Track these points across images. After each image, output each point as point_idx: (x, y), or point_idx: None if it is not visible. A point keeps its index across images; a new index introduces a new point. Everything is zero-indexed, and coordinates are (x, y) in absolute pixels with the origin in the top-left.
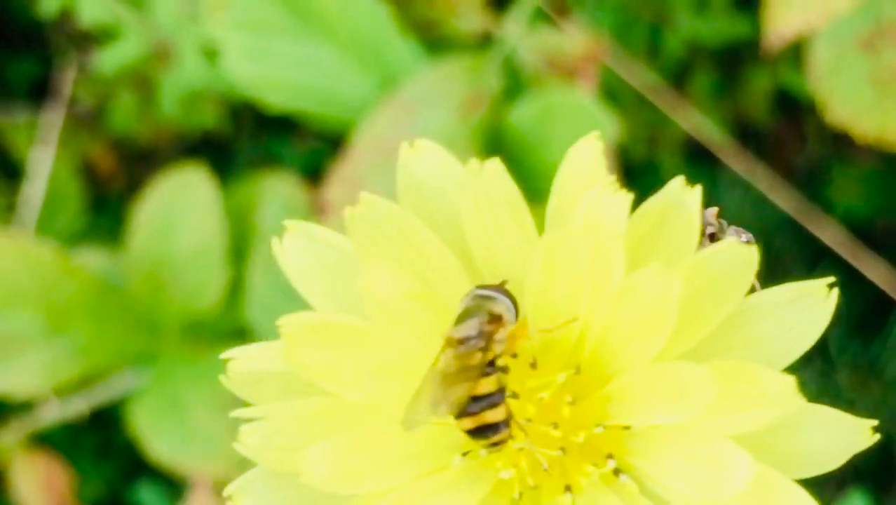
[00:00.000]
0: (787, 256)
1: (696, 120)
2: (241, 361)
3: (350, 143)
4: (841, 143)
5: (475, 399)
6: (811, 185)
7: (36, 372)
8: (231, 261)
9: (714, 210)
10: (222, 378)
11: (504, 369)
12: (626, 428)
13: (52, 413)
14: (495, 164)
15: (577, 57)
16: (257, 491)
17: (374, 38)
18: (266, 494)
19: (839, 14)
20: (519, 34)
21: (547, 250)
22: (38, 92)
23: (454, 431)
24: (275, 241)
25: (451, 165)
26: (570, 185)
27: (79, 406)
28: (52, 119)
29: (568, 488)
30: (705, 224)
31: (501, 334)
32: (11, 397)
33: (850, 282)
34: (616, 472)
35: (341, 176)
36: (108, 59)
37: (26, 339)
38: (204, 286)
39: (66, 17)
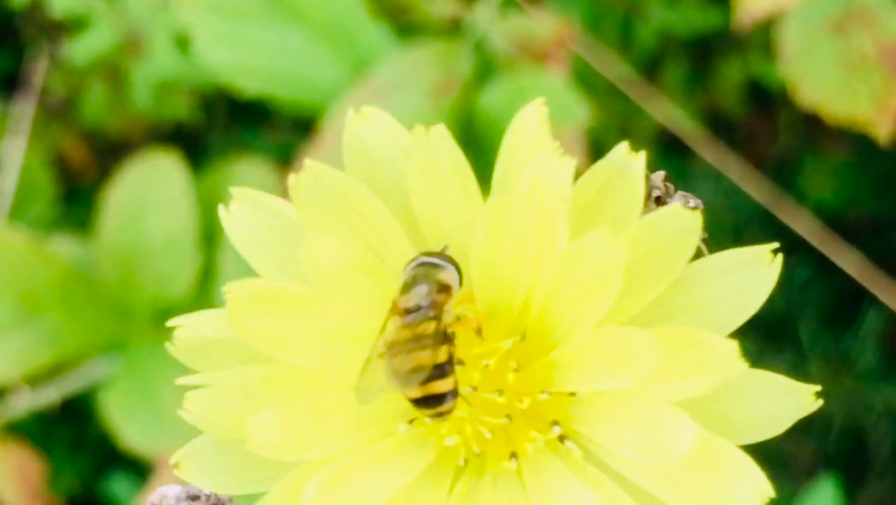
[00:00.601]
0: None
1: (668, 111)
2: (187, 328)
3: (321, 127)
4: (812, 134)
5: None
6: (783, 176)
7: (8, 359)
8: (202, 247)
9: (661, 174)
10: (168, 346)
11: (452, 339)
12: (572, 395)
13: (24, 402)
14: (441, 130)
15: (548, 42)
16: (203, 459)
17: (345, 23)
18: (212, 462)
19: None
20: (490, 19)
21: (492, 215)
22: (9, 84)
23: (399, 398)
24: (221, 209)
25: (398, 132)
26: (515, 151)
27: (50, 395)
28: (24, 110)
29: (513, 455)
30: (652, 188)
31: (450, 304)
32: None
33: (823, 273)
34: (561, 438)
35: (313, 159)
36: (80, 50)
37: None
38: (175, 273)
39: (37, 7)
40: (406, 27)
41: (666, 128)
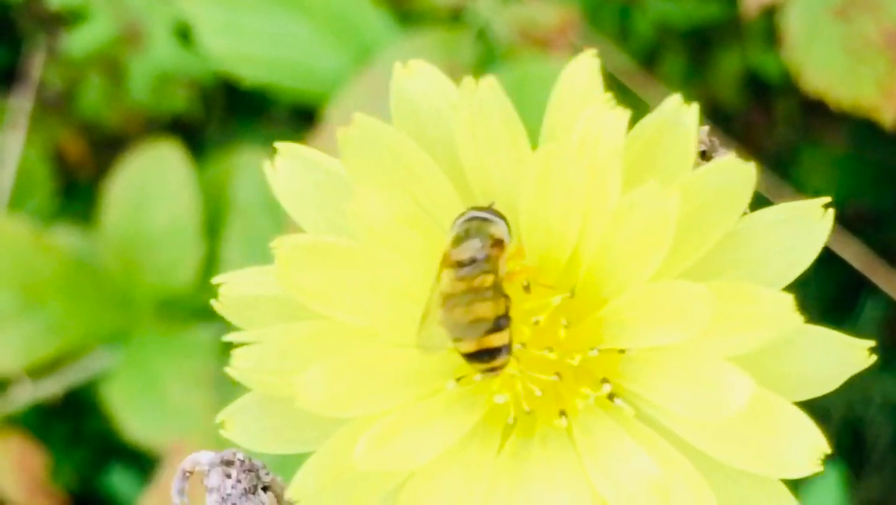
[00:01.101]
0: None
1: None
2: (232, 285)
3: (324, 115)
4: (810, 125)
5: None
6: (781, 167)
7: (11, 350)
8: (205, 237)
9: (706, 129)
10: (213, 303)
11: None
12: (621, 352)
13: (25, 394)
14: (490, 81)
15: (551, 29)
16: (249, 418)
17: (348, 11)
18: (258, 419)
19: None
20: (492, 7)
21: (541, 166)
22: (7, 77)
23: (448, 355)
24: (266, 164)
25: (445, 85)
26: (564, 103)
27: (52, 387)
28: (22, 104)
29: (563, 413)
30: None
31: (503, 257)
32: None
33: (822, 262)
34: (611, 396)
35: (316, 148)
36: (78, 43)
37: (1, 316)
38: (178, 263)
39: (34, 0)
40: (408, 15)
41: None
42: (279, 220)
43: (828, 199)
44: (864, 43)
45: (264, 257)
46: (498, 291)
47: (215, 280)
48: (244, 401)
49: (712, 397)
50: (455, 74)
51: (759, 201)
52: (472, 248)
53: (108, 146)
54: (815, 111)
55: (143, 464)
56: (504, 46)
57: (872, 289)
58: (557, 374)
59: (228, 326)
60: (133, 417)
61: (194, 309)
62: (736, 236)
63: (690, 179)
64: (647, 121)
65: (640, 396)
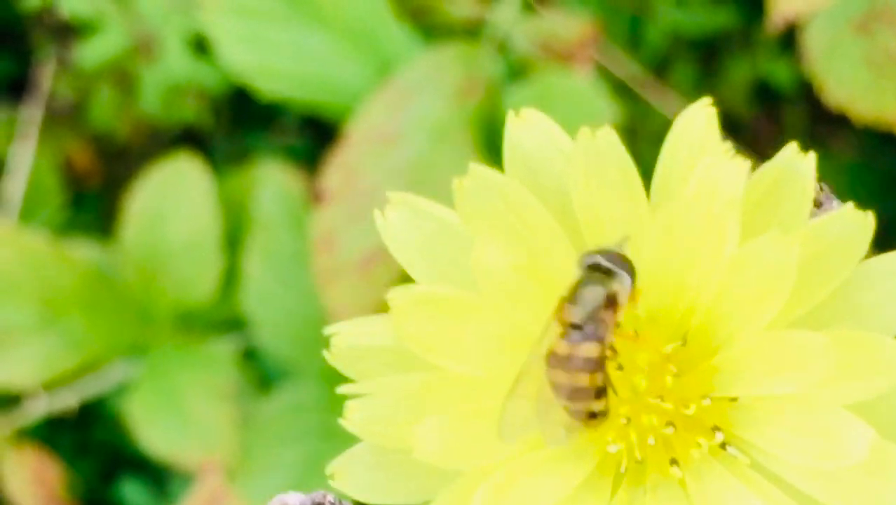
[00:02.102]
0: None
1: (677, 110)
2: (343, 336)
3: (345, 130)
4: (818, 134)
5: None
6: None
7: (31, 364)
8: (225, 251)
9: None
10: (325, 353)
11: (612, 354)
12: (733, 400)
13: (40, 407)
14: (607, 132)
15: (572, 42)
16: (360, 467)
17: (369, 24)
18: (369, 470)
19: None
20: (511, 20)
21: (664, 221)
22: (17, 88)
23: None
24: (377, 214)
25: (558, 135)
26: (680, 151)
27: (67, 400)
28: (32, 114)
29: (674, 462)
30: None
31: (618, 317)
32: (5, 390)
33: None
34: (723, 445)
35: (338, 163)
36: (90, 54)
37: (21, 331)
38: (198, 277)
39: (45, 11)
40: (428, 28)
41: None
42: (301, 234)
43: None
44: (887, 57)
45: (286, 271)
46: (601, 361)
47: (327, 331)
48: (355, 451)
49: (831, 446)
50: (475, 88)
51: None
52: (584, 311)
53: (114, 156)
54: (823, 120)
55: (152, 474)
56: (525, 59)
57: None
58: (669, 423)
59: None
60: (154, 431)
61: (213, 322)
62: (851, 284)
63: (809, 229)
64: (765, 169)
65: (752, 443)
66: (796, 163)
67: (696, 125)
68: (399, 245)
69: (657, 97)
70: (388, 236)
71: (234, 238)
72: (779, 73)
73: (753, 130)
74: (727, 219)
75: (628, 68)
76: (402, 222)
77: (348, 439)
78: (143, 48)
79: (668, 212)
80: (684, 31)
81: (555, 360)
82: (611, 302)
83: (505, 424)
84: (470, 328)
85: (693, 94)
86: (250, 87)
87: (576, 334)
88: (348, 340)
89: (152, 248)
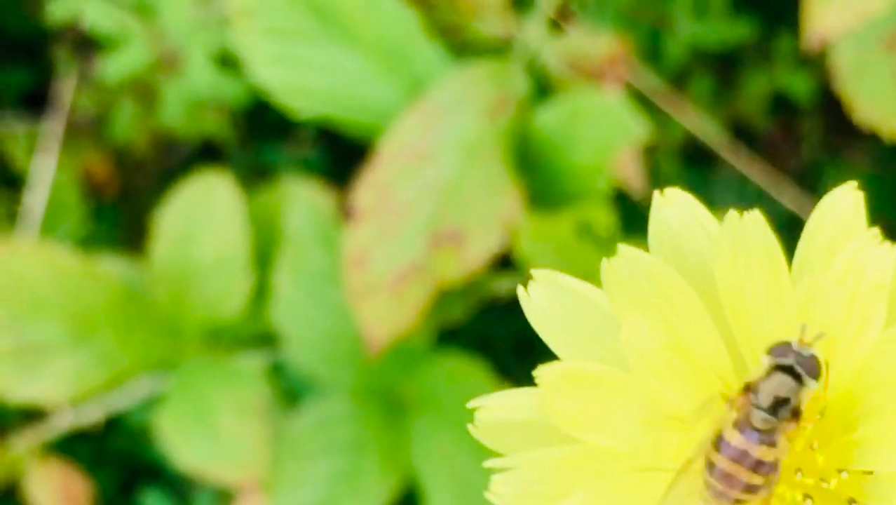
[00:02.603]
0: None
1: (695, 122)
2: (489, 409)
3: (377, 148)
4: (834, 146)
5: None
6: (806, 186)
7: (62, 381)
8: (255, 268)
9: None
10: (470, 427)
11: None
12: (868, 473)
13: (66, 421)
14: (755, 215)
15: (602, 59)
16: None
17: (400, 43)
18: None
19: (874, 13)
20: (540, 38)
21: (804, 294)
22: (33, 102)
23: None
24: (520, 289)
25: (703, 214)
26: (824, 232)
27: (92, 414)
28: (54, 128)
29: None
30: None
31: (796, 427)
32: (38, 406)
33: None
34: None
35: (369, 181)
36: (113, 68)
37: (53, 348)
38: (228, 293)
39: (67, 25)
40: (458, 47)
41: (689, 140)
42: (331, 251)
43: None
44: None
45: (316, 288)
46: (776, 466)
47: (471, 404)
48: None
49: None
50: (506, 106)
51: (787, 218)
52: (768, 419)
53: (132, 169)
54: (839, 131)
55: (170, 485)
56: (555, 77)
57: None
58: (808, 496)
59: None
60: (184, 446)
61: (243, 337)
62: None
63: None
64: None
65: None
66: None
67: (842, 208)
68: (541, 321)
69: (675, 109)
70: (530, 312)
71: (263, 255)
72: (796, 85)
73: (769, 141)
74: (874, 301)
75: (647, 80)
76: (546, 299)
77: (376, 455)
78: (167, 63)
79: (810, 286)
80: (703, 44)
81: (728, 450)
82: (795, 414)
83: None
84: (617, 404)
85: (711, 106)
86: (281, 106)
87: (753, 434)
88: (493, 414)
89: (182, 264)
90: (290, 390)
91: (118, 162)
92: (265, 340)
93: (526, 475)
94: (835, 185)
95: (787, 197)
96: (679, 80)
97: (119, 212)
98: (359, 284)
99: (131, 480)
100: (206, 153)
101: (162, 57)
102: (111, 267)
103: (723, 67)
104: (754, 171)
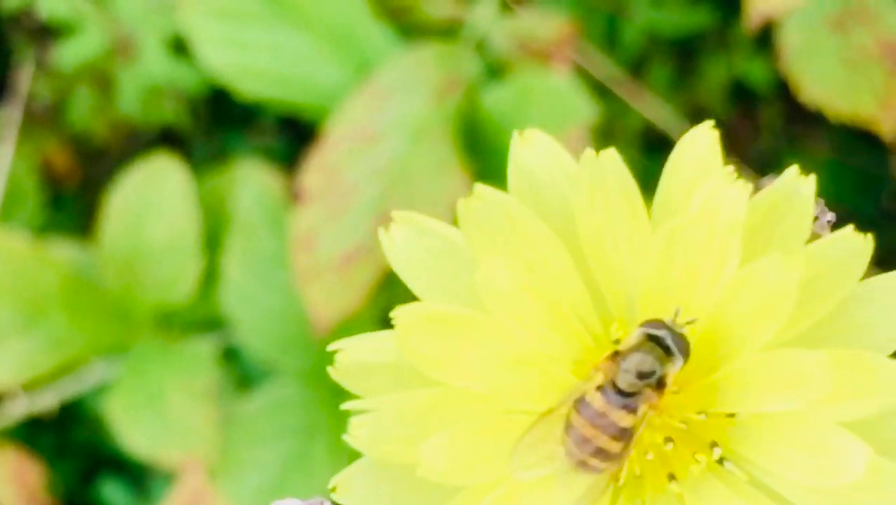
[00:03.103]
0: None
1: (654, 110)
2: (349, 352)
3: (325, 130)
4: (793, 133)
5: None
6: (764, 174)
7: (12, 365)
8: (205, 251)
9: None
10: (330, 370)
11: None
12: (730, 416)
13: (20, 408)
14: (611, 153)
15: (550, 41)
16: (363, 484)
17: (348, 24)
18: (372, 487)
19: None
20: (490, 19)
21: (664, 239)
22: None
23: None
24: (381, 232)
25: (562, 156)
26: (681, 173)
27: (47, 400)
28: (11, 116)
29: (671, 477)
30: None
31: (658, 399)
32: None
33: None
34: (720, 460)
35: (317, 163)
36: (68, 55)
37: (3, 332)
38: (178, 277)
39: (23, 12)
40: (407, 28)
41: (648, 128)
42: (280, 234)
43: None
44: (862, 55)
45: (265, 271)
46: (631, 434)
47: (331, 347)
48: (356, 467)
49: (829, 464)
50: (454, 87)
51: None
52: (633, 382)
53: (92, 157)
54: (798, 118)
55: (132, 474)
56: (504, 59)
57: None
58: (669, 438)
59: (227, 337)
60: (135, 431)
61: (194, 321)
62: (847, 302)
63: (809, 251)
64: (766, 193)
65: (750, 460)
66: (797, 185)
67: (699, 147)
68: (403, 263)
69: (633, 97)
70: (392, 255)
71: (213, 238)
72: (755, 72)
73: (730, 129)
74: (729, 240)
75: (605, 68)
76: (407, 241)
77: (327, 438)
78: (122, 49)
79: (669, 231)
80: (661, 31)
81: (587, 410)
82: (660, 384)
83: (519, 458)
84: (475, 346)
85: (669, 94)
86: (230, 88)
87: (615, 397)
88: (353, 357)
89: (132, 248)
90: (244, 374)
91: (78, 150)
92: (218, 323)
93: (385, 418)
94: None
95: (750, 182)
96: (638, 68)
97: (80, 200)
98: (306, 265)
99: (93, 470)
100: (168, 141)
101: (117, 43)
102: (63, 252)
103: (681, 55)
104: None
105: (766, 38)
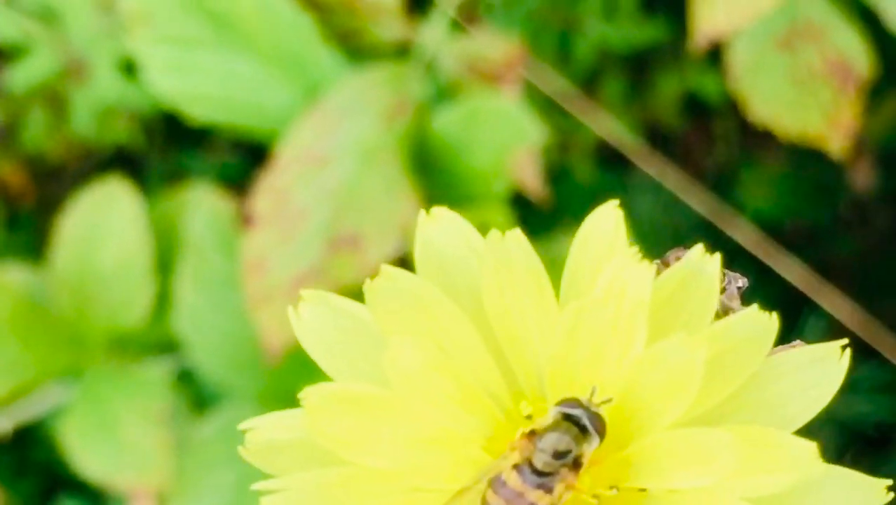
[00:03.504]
0: None
1: (607, 124)
2: (259, 431)
3: (275, 153)
4: (748, 146)
5: None
6: (720, 187)
7: None
8: (157, 275)
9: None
10: (241, 449)
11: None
12: (642, 491)
13: None
14: (516, 234)
15: (499, 62)
16: None
17: (296, 48)
18: None
19: (763, 13)
20: (439, 41)
21: (571, 319)
22: None
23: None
24: (290, 310)
25: (470, 234)
26: (587, 252)
27: (2, 424)
28: None
29: None
30: None
31: (575, 479)
32: None
33: (763, 281)
34: None
35: (268, 186)
36: (20, 77)
37: None
38: (130, 301)
39: None
40: (356, 51)
41: (603, 142)
42: (232, 257)
43: (845, 341)
44: (809, 73)
45: (218, 294)
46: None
47: (241, 426)
48: None
49: None
50: (404, 109)
51: (699, 223)
52: (549, 462)
53: (48, 177)
54: (753, 131)
55: (90, 496)
56: (453, 81)
57: (814, 305)
58: None
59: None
60: (88, 455)
61: (147, 345)
62: (757, 378)
63: (715, 330)
64: (671, 271)
65: None
66: (702, 264)
67: (604, 226)
68: (312, 341)
69: (586, 112)
70: (300, 332)
71: (166, 261)
72: (708, 85)
73: (684, 143)
74: (635, 320)
75: (557, 84)
76: (316, 318)
77: None
78: (74, 71)
79: (575, 310)
80: (613, 46)
81: (504, 490)
82: (576, 463)
83: None
84: (384, 425)
85: (623, 108)
86: (179, 113)
87: (531, 477)
88: (263, 435)
89: (83, 272)
90: (198, 397)
91: (33, 171)
92: (171, 347)
93: (295, 497)
94: (750, 185)
95: (701, 199)
96: (591, 83)
97: (36, 219)
98: (257, 289)
99: (52, 490)
100: (122, 160)
101: (69, 65)
102: (16, 276)
103: (634, 69)
104: (668, 173)
105: (718, 53)
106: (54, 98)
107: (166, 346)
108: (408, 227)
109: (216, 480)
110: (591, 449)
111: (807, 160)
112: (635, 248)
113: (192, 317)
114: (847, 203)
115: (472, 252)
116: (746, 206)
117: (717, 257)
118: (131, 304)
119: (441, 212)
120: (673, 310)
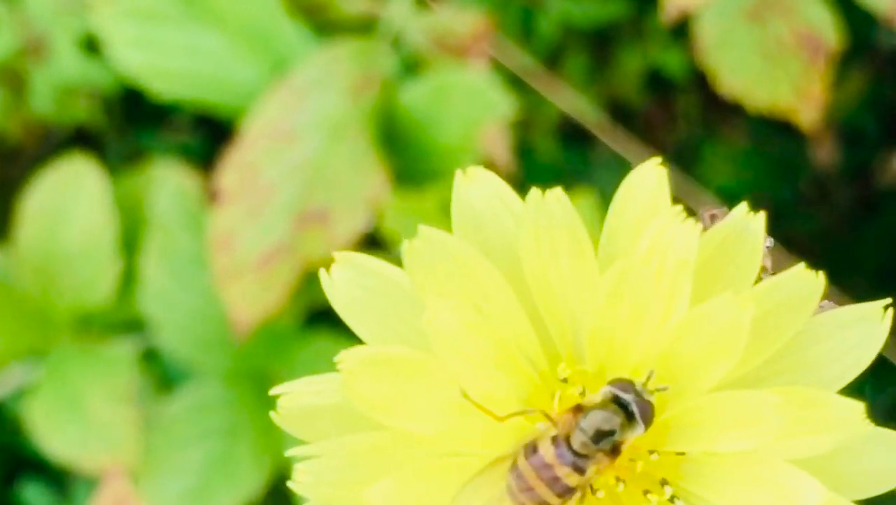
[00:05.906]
0: None
1: (570, 101)
2: (292, 396)
3: (241, 129)
4: (710, 122)
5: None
6: (683, 163)
7: None
8: (122, 253)
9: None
10: (273, 415)
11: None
12: (680, 454)
13: None
14: (557, 193)
15: (466, 37)
16: None
17: (262, 23)
18: None
19: None
20: (405, 15)
21: (614, 279)
22: None
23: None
24: (322, 273)
25: (506, 193)
26: (628, 211)
27: None
28: None
29: None
30: None
31: (612, 463)
32: None
33: None
34: (672, 498)
35: (234, 162)
36: None
37: None
38: (96, 279)
39: None
40: (322, 26)
41: (566, 119)
42: (198, 234)
43: (888, 301)
44: (779, 46)
45: (184, 272)
46: (574, 492)
47: (273, 391)
48: None
49: (782, 502)
50: (370, 84)
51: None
52: (587, 444)
53: (7, 158)
54: (715, 107)
55: (54, 477)
56: (420, 55)
57: None
58: (619, 478)
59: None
60: (55, 435)
61: (113, 324)
62: (799, 338)
63: (761, 288)
64: (715, 230)
65: (701, 498)
66: (747, 222)
67: (647, 184)
68: (344, 304)
69: (549, 88)
70: (332, 295)
71: (131, 239)
72: (671, 62)
73: (646, 118)
74: (679, 280)
75: (520, 60)
76: (347, 281)
77: (250, 439)
78: (33, 49)
79: (618, 271)
80: (576, 22)
81: (534, 458)
82: (614, 451)
83: (463, 500)
84: (420, 388)
85: (585, 85)
86: (143, 89)
87: (567, 453)
88: (296, 401)
89: (48, 250)
90: (165, 376)
91: None
92: (138, 325)
93: (329, 463)
94: (712, 160)
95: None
96: (553, 60)
97: None
98: (225, 266)
99: (15, 472)
100: (82, 140)
101: (28, 43)
102: None
103: (597, 45)
104: (630, 149)
105: (681, 28)
106: (14, 77)
107: (132, 324)
108: (376, 201)
109: (185, 458)
110: (633, 437)
111: (770, 136)
112: (679, 207)
113: (159, 295)
114: (810, 179)
115: (508, 211)
116: (709, 182)
117: (762, 215)
118: (97, 282)
119: (477, 171)
120: (716, 267)
